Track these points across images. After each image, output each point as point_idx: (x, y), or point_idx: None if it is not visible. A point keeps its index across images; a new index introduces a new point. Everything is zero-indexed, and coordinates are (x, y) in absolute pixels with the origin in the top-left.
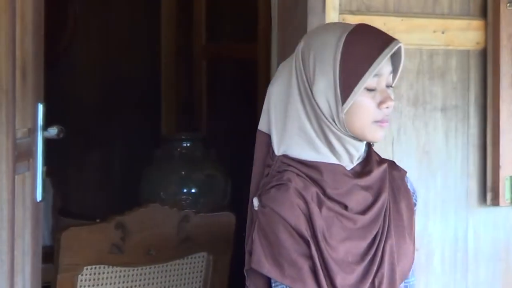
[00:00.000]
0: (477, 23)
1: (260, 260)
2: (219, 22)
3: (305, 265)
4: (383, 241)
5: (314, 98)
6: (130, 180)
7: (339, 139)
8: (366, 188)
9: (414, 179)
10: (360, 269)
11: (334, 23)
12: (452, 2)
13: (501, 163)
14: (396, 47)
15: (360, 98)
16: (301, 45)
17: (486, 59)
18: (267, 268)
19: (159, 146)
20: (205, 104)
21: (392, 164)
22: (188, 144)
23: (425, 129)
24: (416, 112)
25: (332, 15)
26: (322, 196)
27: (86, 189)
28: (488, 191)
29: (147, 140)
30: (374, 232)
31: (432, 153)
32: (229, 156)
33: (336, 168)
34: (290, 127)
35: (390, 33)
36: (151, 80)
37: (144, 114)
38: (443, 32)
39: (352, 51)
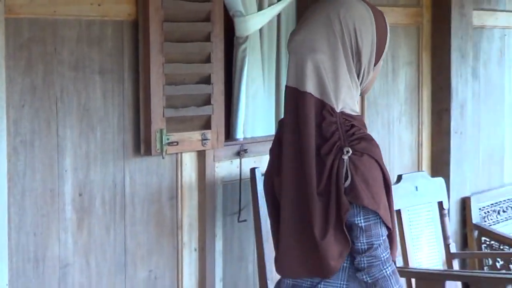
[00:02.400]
0: None
1: (367, 199)
2: None
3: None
4: None
5: (359, 60)
6: None
7: (356, 95)
8: None
9: (76, 134)
10: None
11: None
12: None
13: (152, 119)
14: None
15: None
16: (338, 16)
17: (138, 29)
18: (372, 204)
19: None
20: None
21: None
22: None
23: (85, 90)
24: (77, 75)
25: None
26: None
27: None
28: (142, 143)
29: None
30: None
31: (91, 111)
32: None
33: None
34: (341, 88)
35: (54, 4)
36: None
37: None
38: (99, 5)
39: (379, 23)
